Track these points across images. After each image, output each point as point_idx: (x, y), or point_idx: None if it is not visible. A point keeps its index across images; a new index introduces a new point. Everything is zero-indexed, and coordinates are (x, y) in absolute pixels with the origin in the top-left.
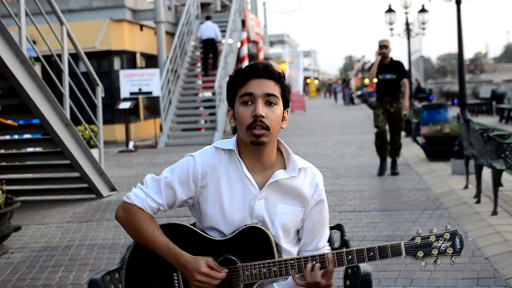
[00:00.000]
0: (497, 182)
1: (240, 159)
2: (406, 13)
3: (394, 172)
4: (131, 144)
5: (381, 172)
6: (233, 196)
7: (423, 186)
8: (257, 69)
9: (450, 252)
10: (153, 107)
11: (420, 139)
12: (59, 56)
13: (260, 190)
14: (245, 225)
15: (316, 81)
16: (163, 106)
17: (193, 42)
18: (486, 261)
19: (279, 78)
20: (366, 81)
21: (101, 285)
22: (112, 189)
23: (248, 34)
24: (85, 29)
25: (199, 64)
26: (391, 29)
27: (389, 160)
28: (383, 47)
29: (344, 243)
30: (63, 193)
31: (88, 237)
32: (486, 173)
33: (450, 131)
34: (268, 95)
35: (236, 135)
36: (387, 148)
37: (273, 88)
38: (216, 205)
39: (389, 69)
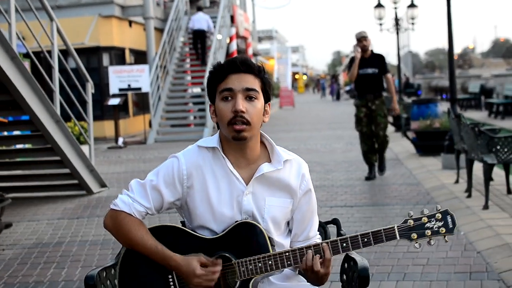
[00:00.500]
0: (488, 177)
1: (224, 156)
2: (395, 8)
3: (381, 169)
4: (120, 140)
5: (369, 176)
6: (220, 193)
7: (414, 181)
8: (235, 63)
9: (443, 231)
10: (142, 103)
11: (410, 134)
12: (49, 52)
13: (247, 185)
14: (235, 222)
15: (305, 77)
16: (152, 102)
17: (182, 38)
18: (478, 255)
19: (258, 72)
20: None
21: (97, 281)
22: (103, 185)
23: (237, 29)
24: (73, 25)
25: (188, 60)
26: (381, 24)
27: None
28: (362, 39)
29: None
30: (53, 189)
31: (79, 233)
32: (477, 167)
33: (440, 126)
34: (248, 89)
35: (218, 132)
36: (374, 153)
37: (252, 82)
38: (204, 204)
39: (370, 63)
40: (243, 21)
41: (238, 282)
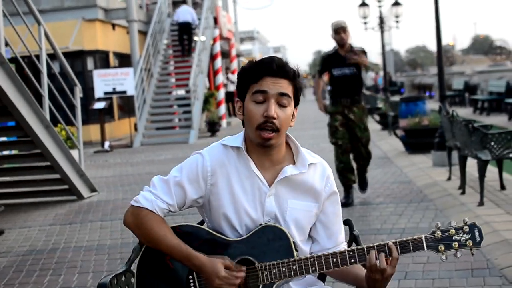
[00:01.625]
0: (482, 173)
1: (248, 156)
2: (380, 6)
3: (362, 187)
4: (106, 144)
5: (347, 201)
6: (245, 193)
7: (405, 179)
8: (272, 66)
9: (470, 244)
10: (127, 106)
11: (399, 132)
12: (36, 56)
13: (270, 186)
14: (260, 224)
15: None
16: (137, 105)
17: (165, 41)
18: (478, 252)
19: (293, 77)
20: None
21: None
22: (93, 190)
23: (221, 31)
24: (57, 29)
25: (172, 63)
26: (365, 23)
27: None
28: (340, 30)
29: (353, 238)
30: (43, 195)
31: (73, 239)
32: (469, 164)
33: (429, 123)
34: (282, 94)
35: (243, 131)
36: (353, 171)
37: (286, 87)
38: (229, 202)
39: (348, 62)
40: (226, 22)
41: (260, 286)
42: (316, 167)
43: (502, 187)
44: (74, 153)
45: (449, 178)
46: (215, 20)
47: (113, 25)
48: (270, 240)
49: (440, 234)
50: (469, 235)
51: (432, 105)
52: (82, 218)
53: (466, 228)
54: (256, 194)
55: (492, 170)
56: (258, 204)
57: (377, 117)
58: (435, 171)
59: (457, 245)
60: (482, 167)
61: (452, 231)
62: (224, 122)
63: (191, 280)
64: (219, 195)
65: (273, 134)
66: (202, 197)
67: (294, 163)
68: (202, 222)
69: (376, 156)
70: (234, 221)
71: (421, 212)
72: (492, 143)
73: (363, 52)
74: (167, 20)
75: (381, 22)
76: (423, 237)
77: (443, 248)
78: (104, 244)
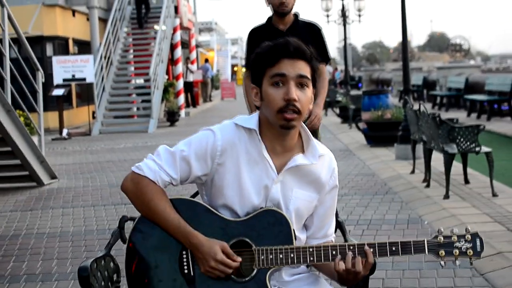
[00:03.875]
0: (448, 166)
1: (261, 140)
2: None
3: None
4: (64, 131)
5: None
6: (252, 176)
7: (369, 171)
8: (289, 48)
9: (470, 253)
10: (86, 94)
11: (361, 125)
12: None
13: (278, 173)
14: (261, 208)
15: (244, 69)
16: (96, 93)
17: (125, 29)
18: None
19: (310, 58)
20: None
21: (89, 272)
22: (53, 177)
23: (181, 20)
24: (16, 14)
25: (131, 51)
26: (327, 15)
27: None
28: None
29: (338, 224)
30: (2, 181)
31: (35, 226)
32: (433, 158)
33: (391, 116)
34: (301, 76)
35: (258, 113)
36: None
37: (305, 69)
38: (234, 184)
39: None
40: (186, 12)
41: (255, 271)
42: (324, 158)
43: (466, 181)
44: (34, 139)
45: (413, 171)
46: (176, 10)
47: (73, 11)
48: (270, 225)
49: (442, 239)
50: (471, 244)
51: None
52: (43, 204)
53: (468, 237)
54: (263, 179)
55: (455, 165)
56: (263, 189)
57: (337, 110)
58: (398, 164)
59: (457, 253)
60: (448, 160)
61: (455, 238)
62: (183, 112)
63: (184, 256)
64: (224, 175)
65: (295, 115)
66: (207, 175)
67: (303, 152)
68: (195, 195)
69: (337, 148)
70: (235, 203)
71: (386, 204)
72: (459, 137)
73: (317, 30)
74: (128, 8)
75: (344, 15)
76: (426, 240)
77: (443, 253)
78: (67, 231)
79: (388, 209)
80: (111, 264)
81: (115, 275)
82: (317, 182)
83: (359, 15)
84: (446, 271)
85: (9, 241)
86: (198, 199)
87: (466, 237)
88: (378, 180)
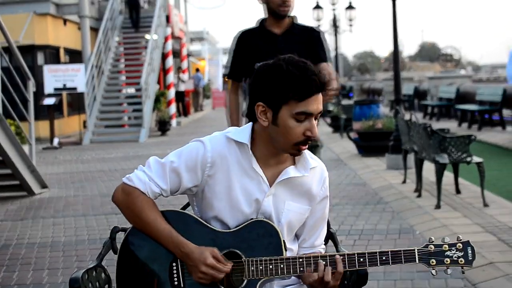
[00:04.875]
0: (440, 176)
1: (251, 153)
2: (334, 9)
3: None
4: (55, 141)
5: None
6: (243, 189)
7: (360, 181)
8: (318, 86)
9: (462, 262)
10: (77, 103)
11: (353, 135)
12: None
13: (270, 186)
14: (251, 219)
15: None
16: (88, 102)
17: (117, 38)
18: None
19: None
20: None
21: (80, 284)
22: (43, 186)
23: (172, 29)
24: (7, 22)
25: (122, 60)
26: (319, 25)
27: None
28: None
29: (330, 235)
30: None
31: (26, 235)
32: (425, 168)
33: (382, 126)
34: (320, 112)
35: (251, 126)
36: None
37: (321, 102)
38: (224, 196)
39: (288, 46)
40: (178, 21)
41: (245, 282)
42: (316, 170)
43: (458, 191)
44: (24, 148)
45: (404, 181)
46: (167, 19)
47: (65, 20)
48: (260, 236)
49: (433, 248)
50: (462, 253)
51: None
52: (34, 214)
53: (460, 246)
54: (254, 192)
55: (446, 175)
56: (254, 202)
57: (328, 120)
58: (389, 174)
59: (449, 262)
60: (440, 170)
61: (446, 246)
62: (174, 122)
63: (174, 267)
64: (215, 186)
65: (307, 145)
66: (197, 186)
67: (294, 163)
68: (185, 206)
69: (329, 158)
70: (226, 214)
71: (378, 214)
72: (450, 147)
73: (316, 34)
74: (119, 17)
75: (335, 25)
76: (416, 249)
77: (434, 262)
78: (58, 241)
79: (380, 219)
80: (103, 275)
81: (106, 286)
82: (309, 194)
83: (350, 25)
84: (438, 281)
85: (0, 251)
86: (189, 210)
87: (457, 245)
88: (369, 190)
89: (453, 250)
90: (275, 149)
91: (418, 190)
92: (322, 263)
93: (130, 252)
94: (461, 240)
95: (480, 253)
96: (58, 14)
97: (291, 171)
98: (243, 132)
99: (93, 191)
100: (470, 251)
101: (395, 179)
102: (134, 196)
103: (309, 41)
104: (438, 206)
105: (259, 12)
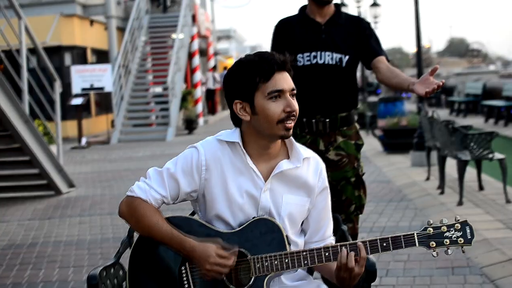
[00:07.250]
0: (462, 173)
1: (244, 150)
2: (359, 7)
3: None
4: (83, 140)
5: None
6: (239, 187)
7: (384, 179)
8: (278, 63)
9: (461, 241)
10: (104, 103)
11: (378, 132)
12: (16, 51)
13: (265, 181)
14: (253, 217)
15: None
16: (115, 102)
17: (143, 37)
18: (458, 250)
19: (290, 69)
20: None
21: (98, 281)
22: (71, 185)
23: (199, 29)
24: (35, 24)
25: (149, 59)
26: None
27: None
28: None
29: (342, 233)
30: (21, 190)
31: (53, 234)
32: (448, 164)
33: (407, 123)
34: (293, 89)
35: (239, 128)
36: None
37: (291, 80)
38: (222, 197)
39: (331, 39)
40: (204, 21)
41: (252, 279)
42: (310, 161)
43: (481, 187)
44: (52, 148)
45: (428, 178)
46: (193, 18)
47: (91, 21)
48: (263, 233)
49: (431, 230)
50: (461, 233)
51: (408, 106)
52: (61, 213)
53: (458, 226)
54: (251, 188)
55: (470, 171)
56: (253, 198)
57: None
58: (414, 171)
59: (448, 242)
60: (462, 167)
61: (444, 228)
62: (201, 120)
63: (184, 271)
64: (212, 189)
65: (293, 123)
66: (196, 191)
67: (288, 158)
68: (192, 214)
69: None
70: (227, 215)
71: (400, 211)
72: (472, 144)
73: (364, 25)
74: (145, 17)
75: None
76: (415, 233)
77: (434, 244)
78: (84, 239)
79: (402, 216)
80: (120, 272)
81: (124, 283)
82: (306, 185)
83: (376, 22)
84: (457, 277)
85: (27, 249)
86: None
87: (455, 226)
88: (393, 187)
89: (452, 230)
90: (265, 141)
91: (441, 187)
92: (344, 249)
93: (140, 258)
94: (458, 220)
95: (500, 250)
96: (84, 15)
97: (284, 164)
98: (233, 133)
99: (120, 190)
100: (468, 230)
101: (419, 176)
102: (136, 204)
103: (358, 33)
104: (460, 203)
105: (284, 10)
